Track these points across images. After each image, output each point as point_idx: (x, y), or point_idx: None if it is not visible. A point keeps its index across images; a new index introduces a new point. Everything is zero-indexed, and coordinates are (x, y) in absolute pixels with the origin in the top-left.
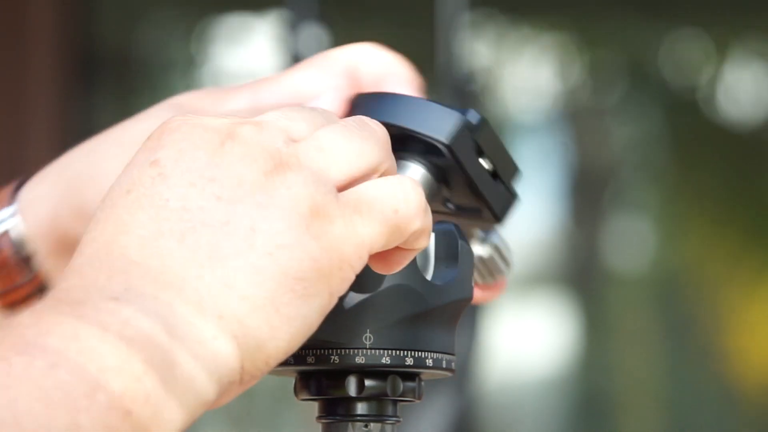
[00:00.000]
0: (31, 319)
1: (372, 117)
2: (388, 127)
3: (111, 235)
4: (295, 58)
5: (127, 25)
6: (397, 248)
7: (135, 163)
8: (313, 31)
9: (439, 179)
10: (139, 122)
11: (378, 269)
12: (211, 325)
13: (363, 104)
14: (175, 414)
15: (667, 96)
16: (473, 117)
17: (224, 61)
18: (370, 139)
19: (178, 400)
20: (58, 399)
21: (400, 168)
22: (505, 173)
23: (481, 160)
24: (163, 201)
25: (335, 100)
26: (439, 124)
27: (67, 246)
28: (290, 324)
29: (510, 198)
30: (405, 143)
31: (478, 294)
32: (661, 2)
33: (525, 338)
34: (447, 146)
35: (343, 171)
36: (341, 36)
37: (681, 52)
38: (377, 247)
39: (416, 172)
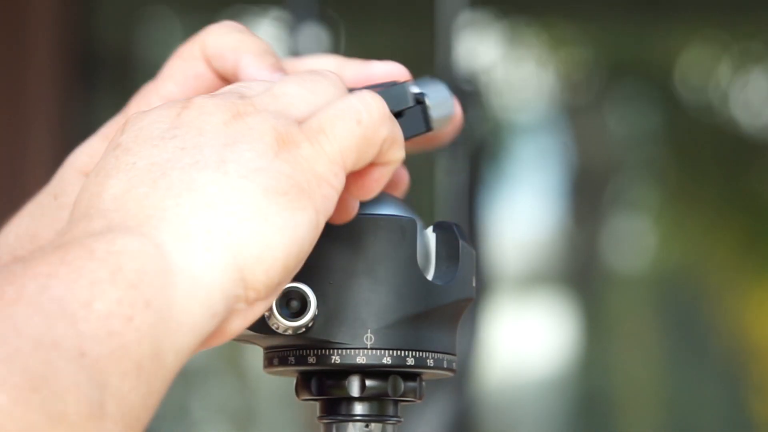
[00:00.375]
0: (17, 263)
1: None
2: None
3: (85, 205)
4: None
5: (127, 25)
6: (373, 165)
7: (103, 155)
8: (312, 31)
9: None
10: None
11: (359, 194)
12: (201, 239)
13: None
14: (184, 322)
15: (668, 96)
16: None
17: None
18: (322, 81)
19: (182, 307)
20: (55, 311)
21: None
22: (398, 103)
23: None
24: (130, 165)
25: (208, 89)
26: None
27: None
28: (282, 233)
29: (421, 109)
30: None
31: (446, 136)
32: (662, 2)
33: (525, 338)
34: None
35: (300, 109)
36: (341, 36)
37: (681, 53)
38: (350, 162)
39: None
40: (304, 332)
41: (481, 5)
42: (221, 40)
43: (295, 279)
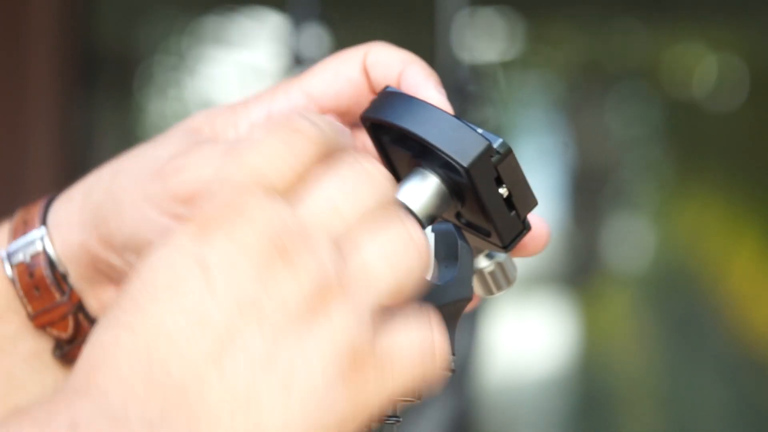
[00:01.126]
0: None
1: (400, 123)
2: (413, 136)
3: (152, 337)
4: (297, 58)
5: (127, 25)
6: None
7: (178, 246)
8: (314, 31)
9: (453, 193)
10: (156, 149)
11: None
12: None
13: (391, 107)
14: None
15: (667, 95)
16: (499, 145)
17: (225, 61)
18: (412, 252)
19: None
20: None
21: (416, 176)
22: (520, 204)
23: (499, 188)
24: (208, 316)
25: (353, 96)
26: (463, 147)
27: (98, 271)
28: None
29: (520, 228)
30: (427, 153)
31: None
32: (661, 2)
33: (525, 338)
34: (465, 170)
35: (386, 289)
36: (342, 36)
37: (681, 52)
38: (398, 395)
39: (432, 182)
40: None
41: (481, 5)
42: (388, 51)
43: None
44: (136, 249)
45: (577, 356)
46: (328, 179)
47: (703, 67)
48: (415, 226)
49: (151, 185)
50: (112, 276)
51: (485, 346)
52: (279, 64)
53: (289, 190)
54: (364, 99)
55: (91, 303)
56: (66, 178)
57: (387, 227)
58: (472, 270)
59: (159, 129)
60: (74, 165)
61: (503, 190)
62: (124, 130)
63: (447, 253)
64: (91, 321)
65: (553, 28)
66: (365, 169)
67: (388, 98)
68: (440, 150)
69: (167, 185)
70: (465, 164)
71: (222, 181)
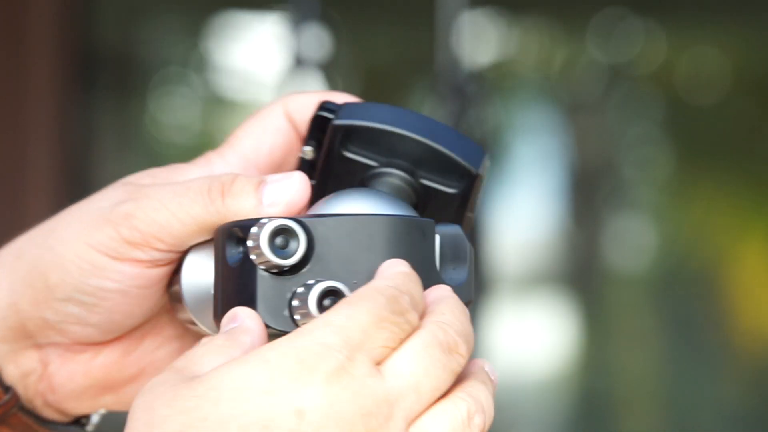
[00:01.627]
0: None
1: (400, 128)
2: (418, 143)
3: None
4: (297, 58)
5: (127, 25)
6: None
7: (278, 383)
8: (314, 31)
9: (413, 201)
10: (96, 202)
11: None
12: None
13: (375, 114)
14: None
15: (667, 95)
16: (486, 163)
17: (225, 62)
18: None
19: None
20: None
21: (385, 180)
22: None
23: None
24: None
25: (285, 146)
26: (470, 154)
27: (24, 333)
28: None
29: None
30: (403, 162)
31: None
32: (660, 2)
33: (525, 338)
34: (474, 177)
35: None
36: (342, 36)
37: (681, 52)
38: None
39: (403, 180)
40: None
41: (481, 5)
42: (304, 95)
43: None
44: (82, 298)
45: (578, 356)
46: (416, 357)
47: (704, 66)
48: (479, 414)
49: (98, 233)
50: (39, 339)
51: (485, 346)
52: (279, 64)
53: (385, 360)
54: (295, 148)
55: (9, 369)
56: (66, 178)
57: (455, 415)
58: (474, 273)
59: (159, 129)
60: (74, 165)
61: (470, 213)
62: (123, 131)
63: (453, 254)
64: (5, 388)
65: (552, 28)
66: (448, 342)
67: (363, 107)
68: (450, 156)
69: (119, 230)
70: (477, 171)
71: (336, 331)
